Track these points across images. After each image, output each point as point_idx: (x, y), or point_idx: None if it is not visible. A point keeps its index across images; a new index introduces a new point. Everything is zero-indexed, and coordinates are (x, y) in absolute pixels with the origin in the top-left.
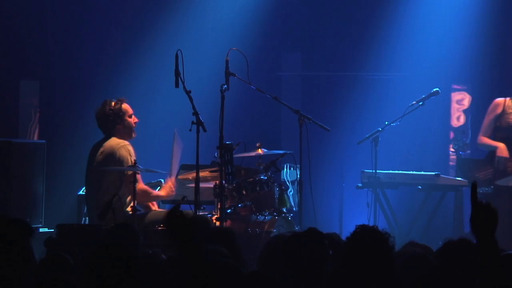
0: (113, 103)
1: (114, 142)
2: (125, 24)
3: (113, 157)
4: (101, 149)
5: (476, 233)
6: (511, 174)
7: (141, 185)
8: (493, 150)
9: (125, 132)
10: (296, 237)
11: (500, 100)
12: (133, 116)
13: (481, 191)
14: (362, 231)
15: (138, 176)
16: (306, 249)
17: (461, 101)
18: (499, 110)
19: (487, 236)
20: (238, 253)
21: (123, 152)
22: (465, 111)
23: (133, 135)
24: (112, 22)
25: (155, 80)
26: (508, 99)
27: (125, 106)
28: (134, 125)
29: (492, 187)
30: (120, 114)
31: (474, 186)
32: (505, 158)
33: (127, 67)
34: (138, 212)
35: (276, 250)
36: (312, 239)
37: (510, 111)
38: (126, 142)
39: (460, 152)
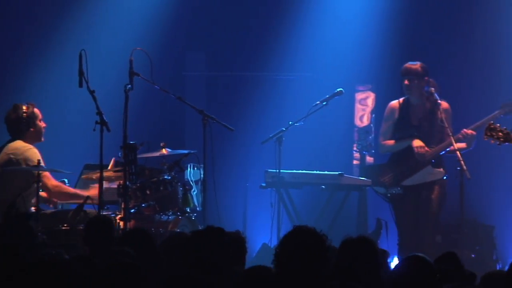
0: (24, 107)
1: (19, 144)
2: (33, 24)
3: (18, 159)
4: (5, 151)
5: None
6: (420, 170)
7: (54, 182)
8: (402, 149)
9: (36, 136)
10: (196, 236)
11: (394, 103)
12: (42, 121)
13: (394, 192)
14: (299, 231)
15: (49, 175)
16: (207, 247)
17: (365, 101)
18: (397, 115)
19: None
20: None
21: (29, 155)
22: (371, 111)
23: (42, 139)
24: (19, 23)
25: (60, 80)
26: (401, 100)
27: (36, 110)
28: (43, 129)
29: (399, 188)
30: (33, 118)
31: None
32: (422, 147)
33: (32, 68)
34: (42, 212)
35: (173, 248)
36: (211, 237)
37: (407, 112)
38: (31, 146)
39: (364, 152)
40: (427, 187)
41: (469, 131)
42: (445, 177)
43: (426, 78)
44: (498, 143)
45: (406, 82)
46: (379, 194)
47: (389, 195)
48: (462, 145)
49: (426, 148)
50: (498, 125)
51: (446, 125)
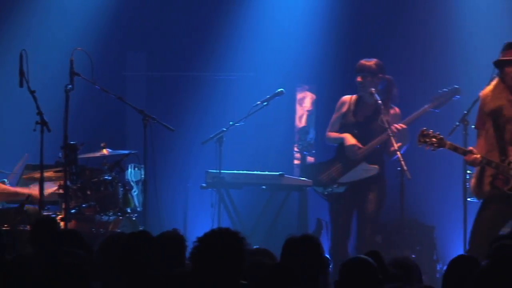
0: None
1: None
2: None
3: None
4: None
5: None
6: (355, 167)
7: None
8: (339, 146)
9: None
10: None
11: (346, 97)
12: None
13: (330, 190)
14: (215, 232)
15: None
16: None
17: (302, 101)
18: (345, 109)
19: None
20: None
21: None
22: (309, 111)
23: None
24: None
25: (0, 80)
26: (354, 96)
27: None
28: None
29: (335, 186)
30: None
31: None
32: (354, 145)
33: None
34: None
35: (111, 248)
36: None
37: (356, 108)
38: None
39: (305, 152)
40: (365, 186)
41: (399, 126)
42: (377, 172)
43: (380, 75)
44: (432, 148)
45: (359, 79)
46: (318, 193)
47: (326, 193)
48: (398, 144)
49: (359, 145)
50: (431, 130)
51: (386, 125)
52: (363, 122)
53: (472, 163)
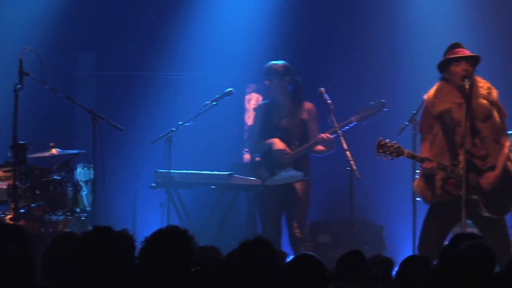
0: None
1: None
2: None
3: None
4: None
5: None
6: (281, 171)
7: None
8: (269, 148)
9: None
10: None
11: (261, 103)
12: None
13: (256, 192)
14: (162, 231)
15: None
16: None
17: (250, 101)
18: (262, 114)
19: None
20: (28, 251)
21: None
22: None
23: None
24: None
25: None
26: (267, 101)
27: None
28: None
29: (261, 188)
30: None
31: None
32: (283, 150)
33: None
34: None
35: (61, 248)
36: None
37: (269, 111)
38: None
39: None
40: (289, 188)
41: (325, 135)
42: (306, 178)
43: (287, 77)
44: (390, 158)
45: (266, 82)
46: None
47: (252, 194)
48: (321, 147)
49: (287, 150)
50: (388, 140)
51: (336, 125)
52: (278, 124)
53: (430, 170)
